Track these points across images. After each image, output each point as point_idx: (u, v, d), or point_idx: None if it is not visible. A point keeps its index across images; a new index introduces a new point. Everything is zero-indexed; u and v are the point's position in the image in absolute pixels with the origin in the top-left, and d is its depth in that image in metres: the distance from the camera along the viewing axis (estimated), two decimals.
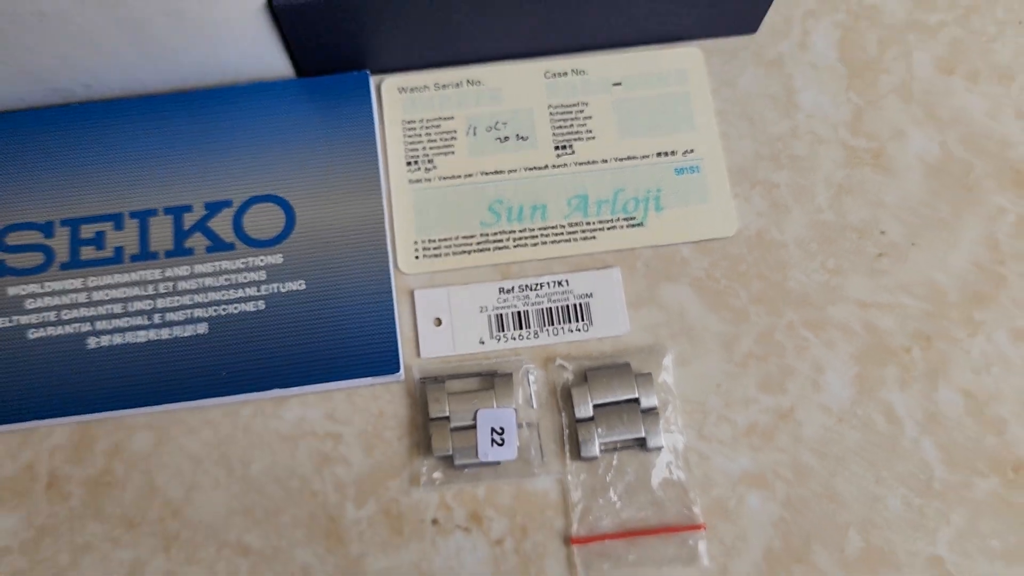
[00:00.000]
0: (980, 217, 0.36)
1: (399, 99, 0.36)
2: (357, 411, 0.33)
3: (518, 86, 0.36)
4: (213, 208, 0.35)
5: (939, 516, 0.32)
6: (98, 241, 0.34)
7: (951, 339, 0.34)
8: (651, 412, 0.33)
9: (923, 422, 0.33)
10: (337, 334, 0.33)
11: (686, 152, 0.36)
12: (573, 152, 0.36)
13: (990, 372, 0.34)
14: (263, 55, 0.35)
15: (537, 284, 0.35)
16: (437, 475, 0.32)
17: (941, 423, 0.33)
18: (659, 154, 0.36)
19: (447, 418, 0.32)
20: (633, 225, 0.35)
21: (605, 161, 0.36)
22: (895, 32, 0.38)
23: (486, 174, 0.35)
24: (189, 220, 0.35)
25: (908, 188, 0.36)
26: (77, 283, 0.34)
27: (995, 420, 0.34)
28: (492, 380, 0.33)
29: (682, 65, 0.37)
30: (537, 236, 0.35)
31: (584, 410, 0.33)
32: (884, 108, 0.37)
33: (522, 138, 0.36)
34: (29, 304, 0.34)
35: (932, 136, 0.37)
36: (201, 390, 0.32)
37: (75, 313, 0.33)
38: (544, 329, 0.34)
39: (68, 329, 0.33)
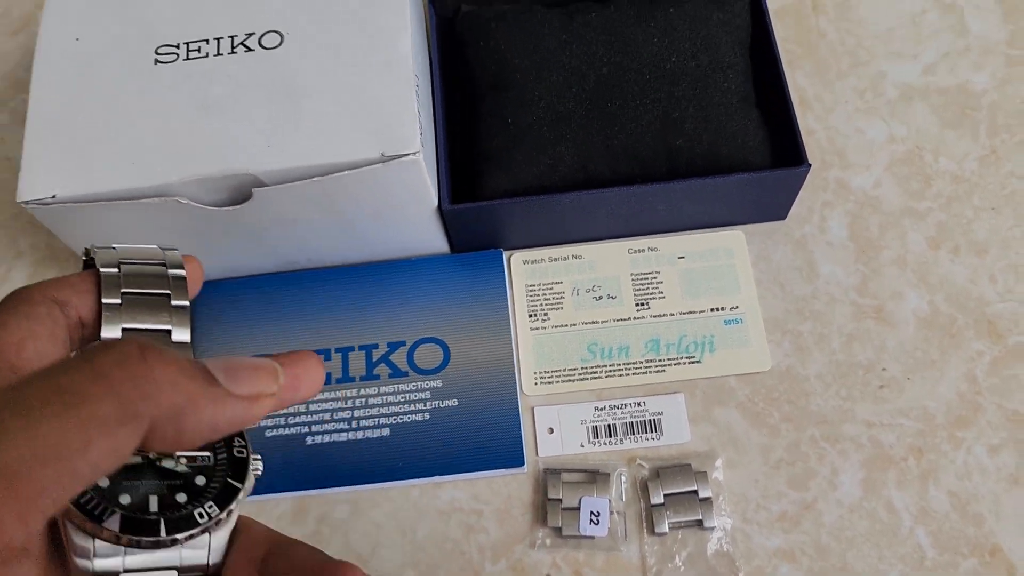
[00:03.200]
0: (962, 358, 0.47)
1: (523, 268, 0.51)
2: (493, 494, 0.46)
3: (608, 259, 0.50)
4: (393, 346, 0.49)
5: None
6: None
7: (939, 452, 0.45)
8: (706, 501, 0.45)
9: (917, 515, 0.44)
10: (480, 438, 0.46)
11: (732, 308, 0.49)
12: (649, 308, 0.49)
13: (970, 478, 0.45)
14: (430, 239, 0.50)
15: (622, 404, 0.47)
16: (549, 542, 0.45)
17: (931, 516, 0.44)
18: (712, 309, 0.49)
19: (559, 500, 0.45)
20: (693, 362, 0.48)
21: (672, 315, 0.49)
22: (893, 217, 0.51)
23: (585, 324, 0.49)
24: (376, 354, 0.49)
25: (904, 336, 0.48)
26: None
27: (974, 515, 0.44)
28: (595, 476, 0.46)
29: (730, 244, 0.50)
30: (622, 369, 0.48)
31: (657, 498, 0.45)
32: (885, 275, 0.50)
33: (611, 297, 0.50)
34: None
35: (923, 296, 0.49)
36: (384, 476, 0.46)
37: (298, 419, 0.48)
38: (627, 437, 0.47)
39: (292, 430, 0.48)
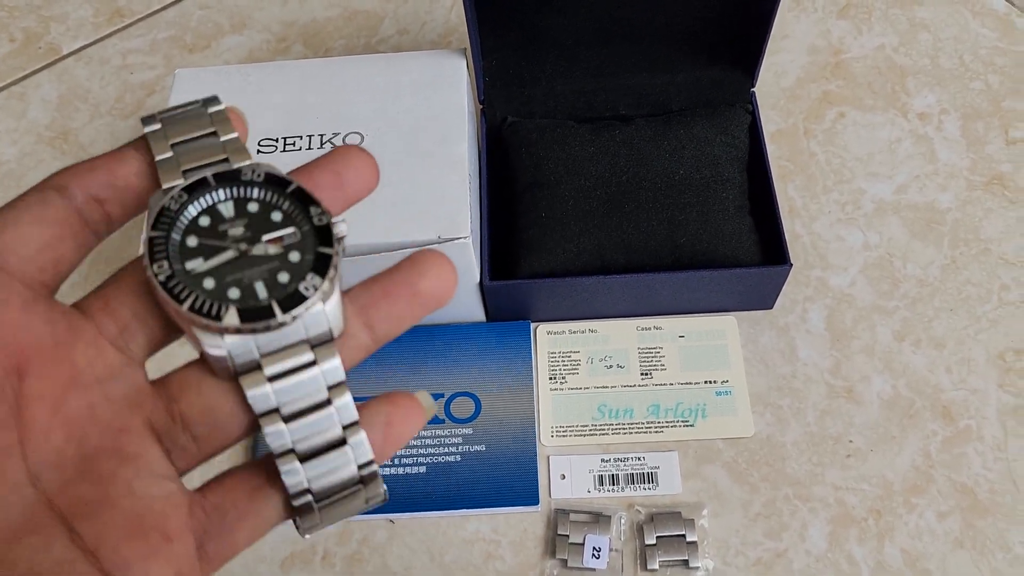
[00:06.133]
0: (918, 436, 0.55)
1: (547, 338, 0.60)
2: (511, 527, 0.54)
3: (619, 334, 0.59)
4: (434, 397, 0.58)
5: None
6: None
7: (895, 514, 0.53)
8: (693, 544, 0.52)
9: (874, 568, 0.51)
10: (502, 479, 0.55)
11: (723, 382, 0.57)
12: (652, 377, 0.58)
13: (921, 539, 0.52)
14: (471, 309, 0.59)
15: (625, 458, 0.56)
16: (557, 572, 0.53)
17: (886, 569, 0.51)
18: (705, 382, 0.57)
19: (567, 536, 0.53)
20: (687, 425, 0.56)
21: (671, 384, 0.57)
22: (864, 312, 0.60)
23: (597, 388, 0.58)
24: None
25: (869, 414, 0.56)
26: None
27: (923, 571, 0.51)
28: (598, 517, 0.54)
29: (723, 327, 0.59)
30: (626, 428, 0.56)
31: (650, 539, 0.53)
32: (855, 361, 0.58)
33: (620, 367, 0.58)
34: None
35: (887, 381, 0.57)
36: (419, 506, 0.54)
37: None
38: (628, 486, 0.55)
39: None
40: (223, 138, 0.24)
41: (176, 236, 0.23)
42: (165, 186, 0.23)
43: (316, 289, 0.22)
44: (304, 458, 0.23)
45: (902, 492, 0.54)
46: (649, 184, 0.58)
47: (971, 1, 0.72)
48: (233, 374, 0.22)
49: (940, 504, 0.53)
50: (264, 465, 0.23)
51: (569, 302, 0.58)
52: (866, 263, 0.61)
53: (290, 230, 0.23)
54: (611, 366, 0.58)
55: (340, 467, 0.23)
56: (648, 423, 0.56)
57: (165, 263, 0.22)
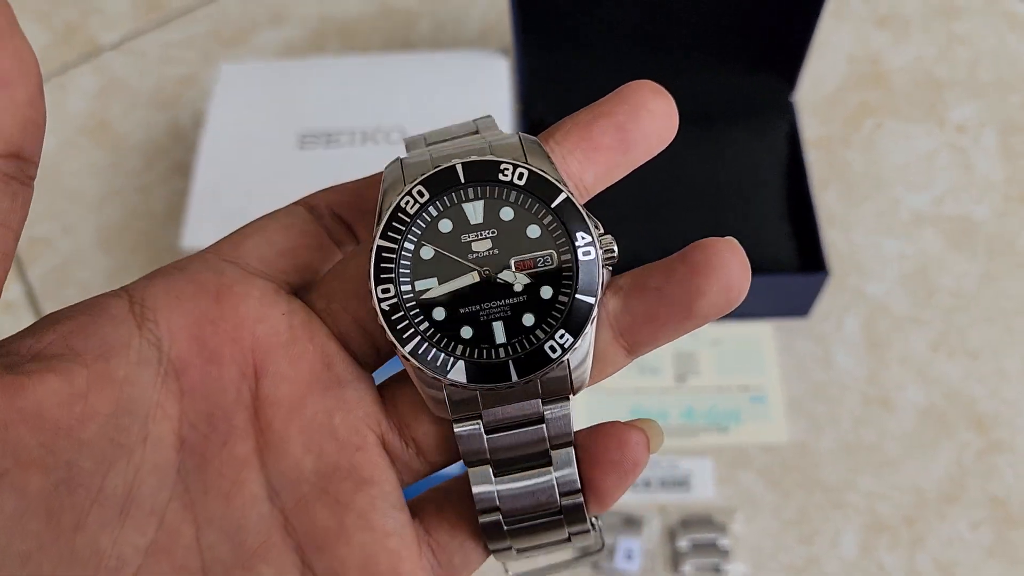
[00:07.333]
0: (951, 446, 0.55)
1: None
2: None
3: None
4: None
5: None
6: None
7: (927, 523, 0.53)
8: (725, 549, 0.53)
9: (904, 575, 0.52)
10: None
11: (758, 388, 0.58)
12: (686, 381, 0.58)
13: (953, 548, 0.52)
14: None
15: (658, 462, 0.56)
16: (589, 573, 0.53)
17: None
18: (740, 388, 0.58)
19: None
20: (722, 430, 0.56)
21: (706, 389, 0.58)
22: (900, 322, 0.60)
23: (630, 391, 0.58)
24: None
25: (904, 423, 0.56)
26: None
27: None
28: (631, 520, 0.54)
29: (759, 334, 0.59)
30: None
31: (683, 543, 0.53)
32: (890, 370, 0.58)
33: (654, 370, 0.59)
34: None
35: (922, 390, 0.57)
36: None
37: None
38: (661, 490, 0.55)
39: None
40: (488, 137, 0.21)
41: (410, 245, 0.20)
42: (408, 176, 0.20)
43: (564, 351, 0.19)
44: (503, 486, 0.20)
45: (935, 501, 0.54)
46: (687, 189, 0.58)
47: (1009, 15, 0.72)
48: (447, 412, 0.20)
49: (972, 514, 0.53)
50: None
51: None
52: (902, 273, 0.61)
53: (546, 253, 0.20)
54: (645, 370, 0.59)
55: (539, 486, 0.20)
56: (682, 428, 0.57)
57: (391, 287, 0.19)
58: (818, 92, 0.69)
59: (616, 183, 0.61)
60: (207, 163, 0.56)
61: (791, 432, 0.56)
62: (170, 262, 0.21)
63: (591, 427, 0.21)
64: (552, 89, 0.62)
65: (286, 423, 0.20)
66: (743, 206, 0.58)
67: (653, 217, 0.58)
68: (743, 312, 0.59)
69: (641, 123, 0.21)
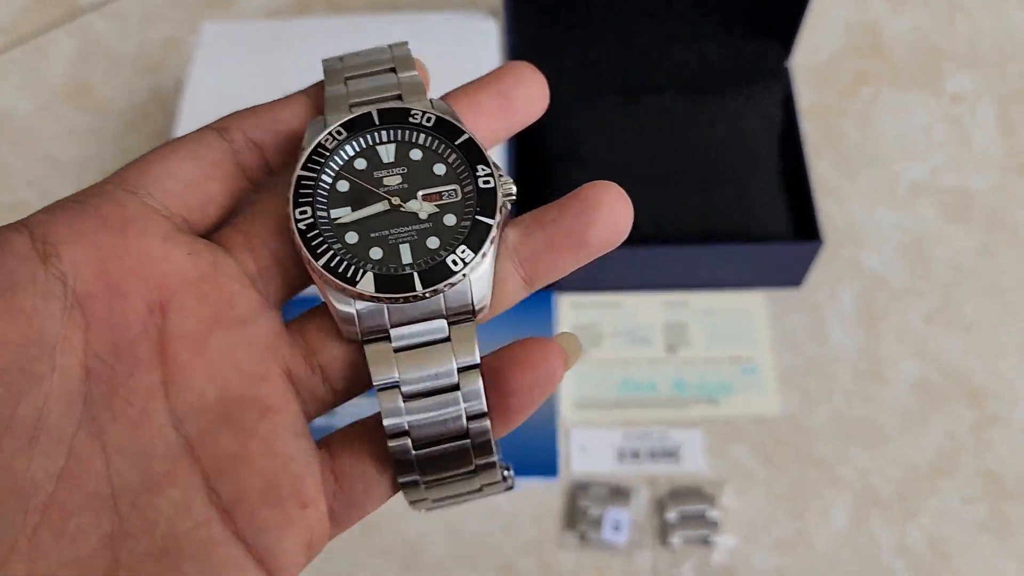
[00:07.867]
0: (945, 420, 0.55)
1: (571, 312, 0.59)
2: (529, 500, 0.53)
3: (645, 309, 0.58)
4: None
5: None
6: None
7: (918, 497, 0.52)
8: (714, 521, 0.52)
9: (895, 549, 0.51)
10: (522, 450, 0.54)
11: (749, 359, 0.57)
12: (677, 353, 0.57)
13: (945, 521, 0.52)
14: None
15: (648, 433, 0.55)
16: (575, 544, 0.52)
17: (909, 552, 0.51)
18: (731, 359, 0.57)
19: (587, 509, 0.52)
20: (712, 402, 0.55)
21: (697, 360, 0.57)
22: (896, 294, 0.59)
23: (620, 362, 0.57)
24: None
25: (897, 396, 0.55)
26: None
27: (944, 553, 0.51)
28: (619, 491, 0.53)
29: (751, 305, 0.58)
30: (650, 404, 0.55)
31: (671, 515, 0.52)
32: (884, 343, 0.57)
33: (645, 341, 0.57)
34: None
35: (916, 364, 0.56)
36: None
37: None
38: (650, 462, 0.54)
39: None
40: (401, 75, 0.23)
41: (327, 178, 0.22)
42: (329, 120, 0.22)
43: (465, 264, 0.20)
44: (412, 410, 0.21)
45: (927, 476, 0.53)
46: (681, 156, 0.57)
47: None
48: (358, 336, 0.21)
49: (964, 489, 0.52)
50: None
51: (595, 272, 0.57)
52: (899, 245, 0.60)
53: (451, 187, 0.22)
54: (636, 340, 0.57)
55: (446, 411, 0.20)
56: (672, 399, 0.56)
57: (308, 209, 0.21)
58: (814, 59, 0.67)
59: (608, 150, 0.59)
60: (188, 127, 0.55)
61: (783, 404, 0.55)
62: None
63: (505, 345, 0.22)
64: (543, 53, 0.61)
65: (192, 356, 0.20)
66: (736, 173, 0.56)
67: (645, 182, 0.57)
68: (736, 281, 0.58)
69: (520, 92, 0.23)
